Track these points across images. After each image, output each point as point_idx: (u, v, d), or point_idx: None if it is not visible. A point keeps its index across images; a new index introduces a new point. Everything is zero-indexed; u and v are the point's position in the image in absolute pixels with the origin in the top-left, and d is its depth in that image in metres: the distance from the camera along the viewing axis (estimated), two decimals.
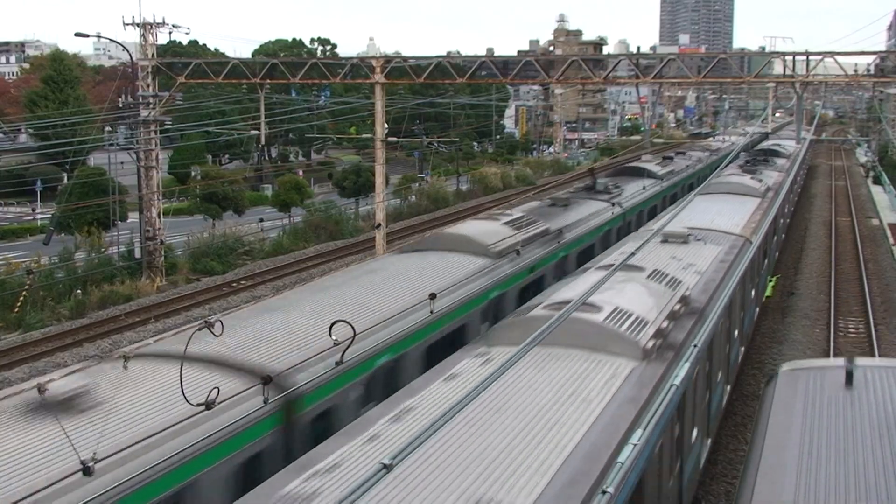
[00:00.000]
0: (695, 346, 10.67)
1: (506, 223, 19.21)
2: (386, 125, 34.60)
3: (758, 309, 22.36)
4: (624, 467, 7.05)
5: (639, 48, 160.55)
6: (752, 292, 19.52)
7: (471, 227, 18.84)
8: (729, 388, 15.97)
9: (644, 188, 30.23)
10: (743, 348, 18.85)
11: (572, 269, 18.92)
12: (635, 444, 7.47)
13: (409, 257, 16.64)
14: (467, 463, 7.11)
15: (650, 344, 10.37)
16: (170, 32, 36.64)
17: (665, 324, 11.28)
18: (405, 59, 32.84)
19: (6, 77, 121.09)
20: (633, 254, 13.28)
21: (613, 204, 25.54)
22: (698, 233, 17.66)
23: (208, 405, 8.92)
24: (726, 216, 21.01)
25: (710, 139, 65.46)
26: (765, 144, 52.10)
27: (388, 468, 5.57)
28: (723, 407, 15.37)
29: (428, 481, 6.69)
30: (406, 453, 6.04)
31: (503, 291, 16.21)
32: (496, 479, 6.85)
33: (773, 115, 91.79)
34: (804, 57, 29.58)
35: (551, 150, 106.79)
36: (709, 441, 13.50)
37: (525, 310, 12.10)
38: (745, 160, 37.10)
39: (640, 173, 33.01)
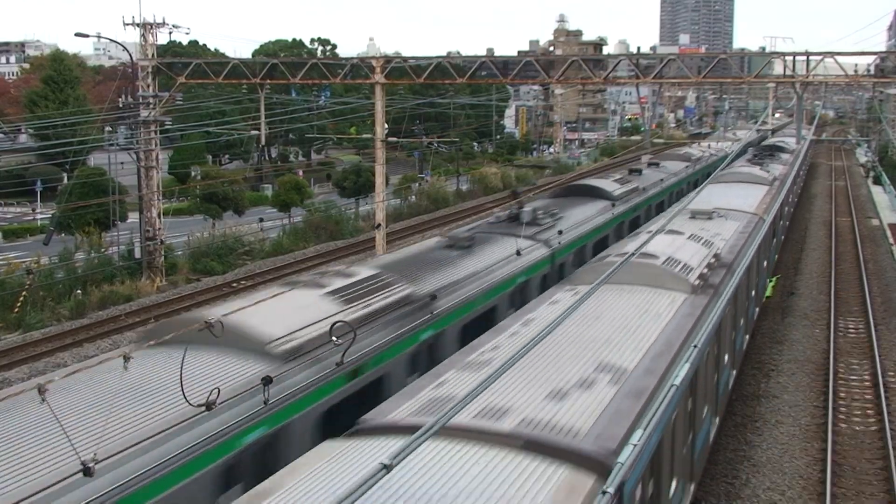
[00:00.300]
0: (726, 288, 13.93)
1: (328, 295, 12.58)
2: (386, 125, 34.61)
3: (768, 280, 26.30)
4: (686, 365, 9.65)
5: (639, 48, 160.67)
6: (765, 262, 23.42)
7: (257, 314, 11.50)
8: (748, 337, 20.33)
9: (589, 216, 23.31)
10: (758, 309, 22.81)
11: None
12: (689, 359, 9.85)
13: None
14: (591, 339, 10.70)
15: (696, 283, 13.75)
16: (170, 32, 36.69)
17: (705, 270, 14.66)
18: (405, 59, 32.84)
19: (6, 77, 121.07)
20: (668, 225, 16.07)
21: (539, 241, 18.95)
22: (720, 211, 20.85)
23: (208, 405, 8.93)
24: (741, 199, 24.04)
25: (687, 148, 51.17)
26: (769, 141, 57.52)
27: (387, 468, 5.56)
28: (743, 350, 19.44)
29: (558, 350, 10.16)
30: (446, 418, 6.10)
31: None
32: (613, 348, 10.40)
33: (773, 115, 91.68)
34: (804, 57, 29.59)
35: (551, 150, 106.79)
36: (747, 337, 19.81)
37: (598, 258, 16.00)
38: (754, 154, 41.68)
39: (591, 193, 26.29)
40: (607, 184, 27.76)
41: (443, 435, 7.15)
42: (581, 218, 22.72)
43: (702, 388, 11.91)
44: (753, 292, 19.96)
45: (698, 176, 38.10)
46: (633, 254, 12.81)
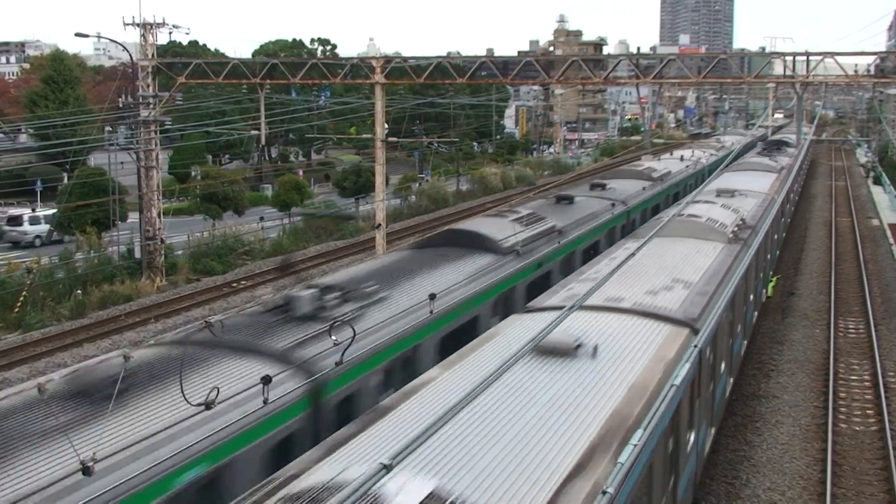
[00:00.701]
0: (752, 242, 18.38)
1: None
2: (386, 125, 34.61)
3: (778, 251, 31.22)
4: (731, 286, 14.30)
5: (639, 48, 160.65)
6: (775, 235, 27.11)
7: None
8: (765, 290, 24.86)
9: (445, 287, 14.50)
10: (771, 272, 27.25)
11: None
12: (732, 283, 14.54)
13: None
14: (662, 266, 14.83)
15: (730, 236, 17.99)
16: (170, 33, 36.69)
17: (735, 229, 18.83)
18: (405, 59, 32.84)
19: (6, 77, 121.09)
20: (701, 199, 20.60)
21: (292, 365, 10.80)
22: (740, 191, 24.78)
23: (208, 405, 8.92)
24: (756, 183, 28.74)
25: (649, 161, 39.00)
26: (774, 136, 62.99)
27: (387, 468, 5.57)
28: (762, 297, 23.84)
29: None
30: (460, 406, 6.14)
31: None
32: (679, 271, 14.58)
33: (773, 115, 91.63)
34: (804, 57, 29.59)
35: (551, 150, 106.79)
36: (763, 290, 24.06)
37: (656, 218, 21.23)
38: (763, 147, 46.62)
39: (476, 245, 17.36)
40: (499, 228, 18.56)
41: (584, 309, 11.32)
42: (413, 301, 13.49)
43: (739, 304, 16.47)
44: (768, 255, 24.89)
45: (659, 201, 30.47)
46: (680, 214, 18.41)
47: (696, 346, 10.68)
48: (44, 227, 44.74)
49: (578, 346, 9.68)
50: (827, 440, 16.70)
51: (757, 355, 22.01)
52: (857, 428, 17.72)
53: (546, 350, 9.50)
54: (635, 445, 7.41)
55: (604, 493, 6.64)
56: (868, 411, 18.61)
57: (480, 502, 6.25)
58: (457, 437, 7.29)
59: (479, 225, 19.37)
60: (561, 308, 10.79)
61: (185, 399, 8.79)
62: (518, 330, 10.82)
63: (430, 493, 6.13)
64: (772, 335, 24.10)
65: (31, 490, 7.31)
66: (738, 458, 15.98)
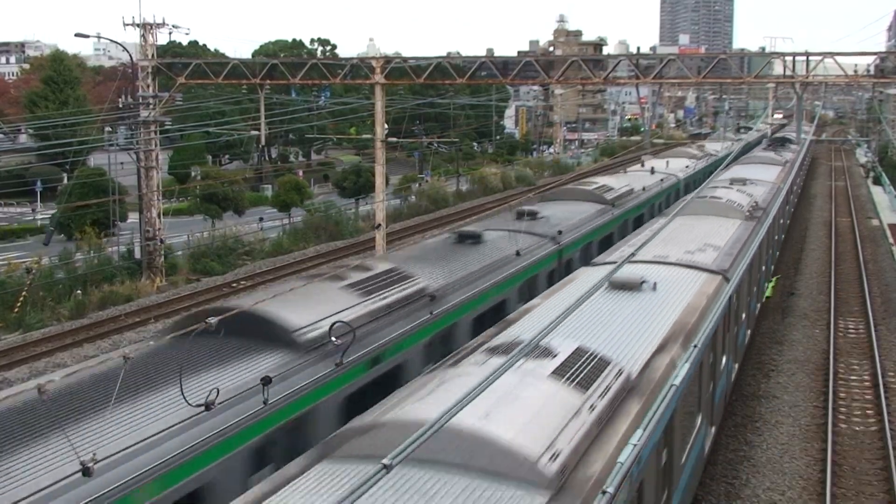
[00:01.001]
0: (765, 220, 21.47)
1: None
2: (386, 125, 34.60)
3: (784, 234, 34.98)
4: (749, 254, 16.77)
5: (639, 48, 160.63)
6: (781, 220, 30.19)
7: None
8: (778, 253, 30.46)
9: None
10: (779, 252, 31.58)
11: None
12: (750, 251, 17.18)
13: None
14: (692, 236, 17.55)
15: (748, 213, 21.39)
16: (170, 33, 36.71)
17: (750, 209, 22.06)
18: (405, 59, 32.83)
19: (6, 77, 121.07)
20: (717, 185, 24.58)
21: None
22: (751, 180, 28.41)
23: (208, 406, 8.92)
24: (764, 173, 32.46)
25: (605, 178, 31.79)
26: (779, 134, 65.83)
27: (387, 468, 5.56)
28: (773, 262, 27.81)
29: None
30: (409, 450, 6.07)
31: None
32: (707, 238, 17.51)
33: (772, 115, 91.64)
34: (804, 57, 29.58)
35: (551, 150, 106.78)
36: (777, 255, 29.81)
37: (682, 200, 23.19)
38: (768, 144, 52.24)
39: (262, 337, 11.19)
40: (312, 305, 12.11)
41: (635, 263, 13.98)
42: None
43: (755, 268, 19.61)
44: (776, 234, 28.25)
45: (611, 229, 24.00)
46: (702, 196, 21.83)
47: (727, 291, 13.62)
48: None
49: (643, 282, 12.79)
50: (827, 440, 16.70)
51: (757, 355, 22.01)
52: (857, 428, 17.72)
53: (618, 285, 12.57)
54: (634, 446, 7.42)
55: (603, 492, 6.63)
56: (868, 411, 18.60)
57: (612, 354, 9.57)
58: (575, 329, 10.39)
59: (278, 306, 11.54)
60: (615, 263, 13.65)
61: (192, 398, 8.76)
62: (591, 275, 13.89)
63: (577, 348, 9.32)
64: (772, 335, 24.09)
65: (32, 490, 7.31)
66: (738, 458, 15.97)
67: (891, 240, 40.86)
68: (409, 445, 5.76)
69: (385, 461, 5.40)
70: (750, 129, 69.93)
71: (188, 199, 56.02)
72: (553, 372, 8.47)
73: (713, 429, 14.05)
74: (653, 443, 8.36)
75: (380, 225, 32.59)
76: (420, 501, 6.29)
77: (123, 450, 8.10)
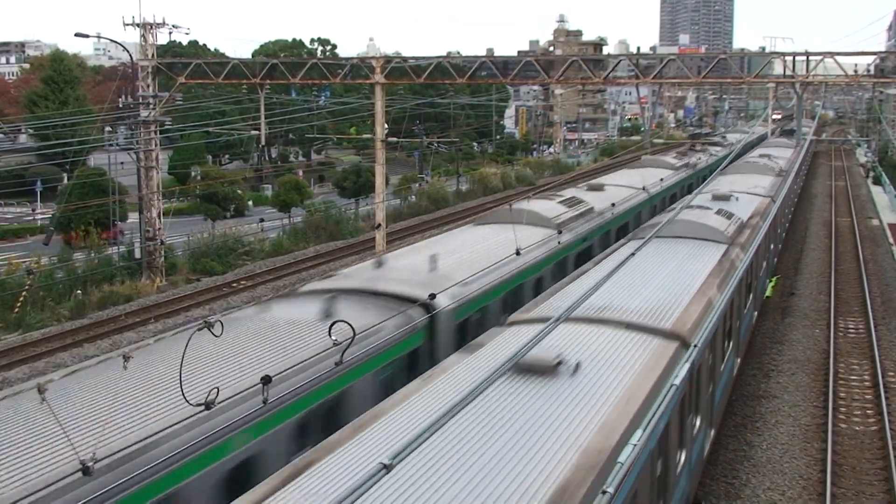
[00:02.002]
0: (787, 178, 28.82)
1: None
2: (386, 125, 34.62)
3: (793, 208, 43.16)
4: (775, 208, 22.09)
5: (639, 48, 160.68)
6: (792, 194, 36.23)
7: None
8: (785, 234, 35.07)
9: None
10: (786, 232, 36.10)
11: None
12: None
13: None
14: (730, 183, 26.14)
15: (778, 172, 31.10)
16: (170, 33, 36.72)
17: (777, 174, 30.18)
18: (405, 59, 32.84)
19: (6, 77, 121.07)
20: (749, 159, 33.21)
21: None
22: (772, 156, 37.17)
23: (208, 405, 8.92)
24: (780, 153, 41.76)
25: (527, 203, 22.04)
26: (788, 126, 74.61)
27: (387, 468, 5.56)
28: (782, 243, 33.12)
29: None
30: (411, 449, 6.05)
31: None
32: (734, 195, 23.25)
33: (771, 116, 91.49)
34: (804, 57, 29.62)
35: (551, 150, 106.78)
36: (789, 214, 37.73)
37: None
38: (781, 132, 64.61)
39: None
40: None
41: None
42: None
43: (772, 230, 22.66)
44: (786, 210, 33.53)
45: (523, 280, 16.80)
46: (748, 161, 30.63)
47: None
48: None
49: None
50: (827, 440, 16.69)
51: (757, 355, 22.00)
52: (857, 428, 17.72)
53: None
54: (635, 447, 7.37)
55: (603, 492, 6.63)
56: (868, 411, 18.60)
57: None
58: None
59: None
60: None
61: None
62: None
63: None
64: (772, 335, 24.09)
65: (32, 489, 7.30)
66: (738, 458, 15.97)
67: (891, 240, 40.85)
68: (661, 225, 12.65)
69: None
70: (714, 141, 55.56)
71: (188, 198, 56.03)
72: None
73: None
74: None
75: (380, 225, 32.60)
76: (672, 252, 11.54)
77: (123, 449, 8.11)
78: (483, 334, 11.04)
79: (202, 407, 8.88)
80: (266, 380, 9.55)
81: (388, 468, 5.59)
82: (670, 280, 13.61)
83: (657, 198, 28.76)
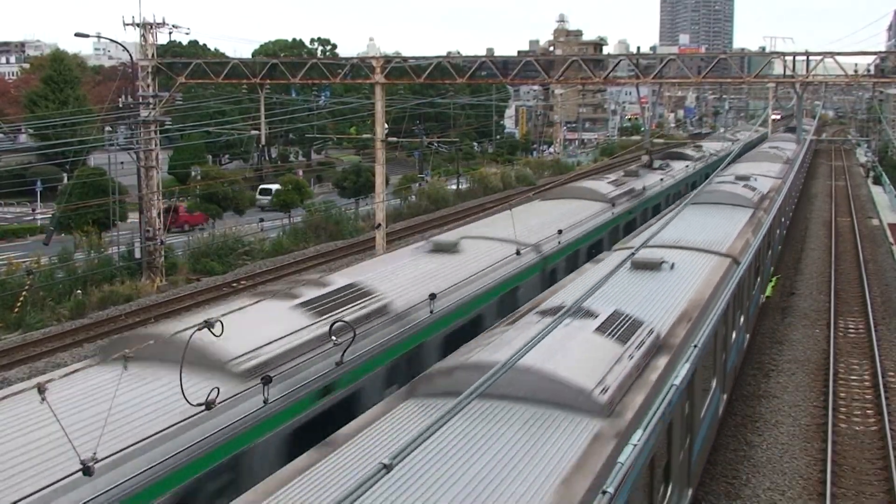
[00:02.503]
0: (787, 178, 29.16)
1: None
2: (386, 125, 34.63)
3: (801, 187, 49.92)
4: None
5: (639, 48, 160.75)
6: (797, 183, 39.56)
7: None
8: (794, 205, 40.95)
9: None
10: (788, 226, 37.88)
11: None
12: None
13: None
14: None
15: (784, 160, 38.13)
16: (170, 33, 36.69)
17: (785, 160, 37.49)
18: (405, 59, 32.84)
19: (6, 77, 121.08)
20: (763, 149, 40.12)
21: None
22: (778, 149, 41.70)
23: (208, 405, 8.92)
24: (786, 146, 46.93)
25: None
26: (792, 124, 75.18)
27: (387, 468, 5.56)
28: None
29: None
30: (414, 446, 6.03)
31: None
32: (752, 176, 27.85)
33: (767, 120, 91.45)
34: (804, 57, 29.61)
35: (551, 150, 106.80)
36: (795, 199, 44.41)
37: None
38: (786, 129, 68.61)
39: None
40: None
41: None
42: None
43: (784, 203, 24.67)
44: (789, 197, 34.08)
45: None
46: (761, 151, 38.46)
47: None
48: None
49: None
50: (827, 440, 16.69)
51: (757, 355, 22.01)
52: (857, 428, 17.72)
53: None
54: (634, 445, 7.41)
55: (603, 492, 6.64)
56: (868, 411, 18.60)
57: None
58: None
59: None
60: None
61: (183, 397, 8.77)
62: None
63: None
64: (772, 335, 24.09)
65: (32, 490, 7.30)
66: (738, 458, 15.97)
67: (891, 239, 40.85)
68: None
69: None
70: (680, 153, 44.19)
71: (188, 198, 56.05)
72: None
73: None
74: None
75: (380, 225, 32.60)
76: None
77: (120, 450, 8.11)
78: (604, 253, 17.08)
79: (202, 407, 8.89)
80: (266, 380, 9.57)
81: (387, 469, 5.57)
82: (717, 227, 18.84)
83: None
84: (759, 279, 21.04)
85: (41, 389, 8.18)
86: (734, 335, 15.96)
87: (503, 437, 7.65)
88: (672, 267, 14.11)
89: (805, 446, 16.66)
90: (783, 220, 30.91)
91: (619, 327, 10.25)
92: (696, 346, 10.08)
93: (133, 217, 41.68)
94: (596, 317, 10.47)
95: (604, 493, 6.63)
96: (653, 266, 13.94)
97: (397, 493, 6.55)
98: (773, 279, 27.19)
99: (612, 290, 12.21)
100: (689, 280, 13.70)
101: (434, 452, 7.16)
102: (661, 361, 9.95)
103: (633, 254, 13.49)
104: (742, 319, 17.31)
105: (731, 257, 15.93)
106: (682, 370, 9.29)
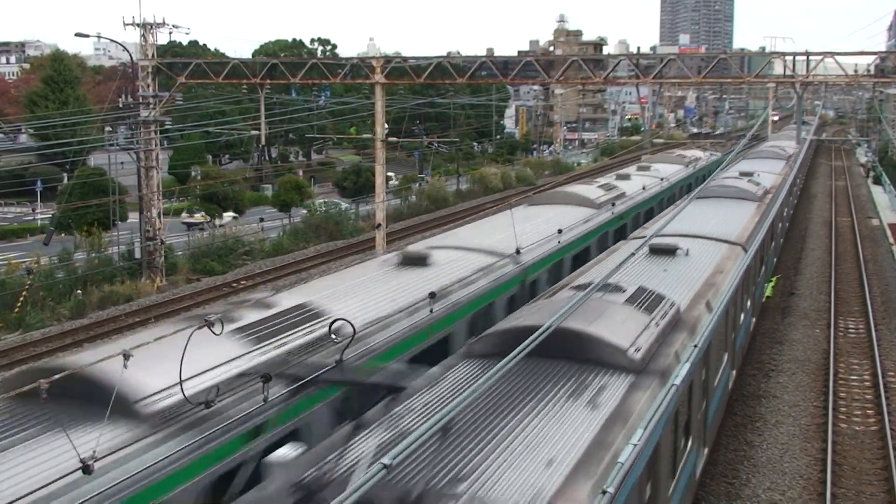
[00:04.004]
0: (789, 174, 31.66)
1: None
2: (386, 125, 34.62)
3: (804, 178, 51.85)
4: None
5: (639, 48, 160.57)
6: (801, 175, 39.88)
7: None
8: (795, 202, 42.71)
9: None
10: (789, 221, 39.55)
11: None
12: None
13: None
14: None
15: (788, 156, 40.76)
16: (170, 33, 36.75)
17: (790, 154, 41.24)
18: (405, 59, 32.84)
19: (6, 77, 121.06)
20: (773, 142, 46.69)
21: None
22: (780, 149, 43.18)
23: (208, 404, 8.91)
24: (787, 144, 48.74)
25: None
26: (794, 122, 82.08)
27: (387, 468, 5.57)
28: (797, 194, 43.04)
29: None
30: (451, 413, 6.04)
31: None
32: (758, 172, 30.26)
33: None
34: (804, 57, 29.61)
35: (552, 150, 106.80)
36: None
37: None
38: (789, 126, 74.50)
39: None
40: None
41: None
42: None
43: (786, 197, 25.41)
44: (805, 168, 39.76)
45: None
46: (765, 140, 44.32)
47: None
48: None
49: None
50: (827, 440, 16.69)
51: (757, 355, 22.00)
52: (857, 428, 17.72)
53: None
54: (635, 445, 7.45)
55: (603, 493, 6.65)
56: (868, 411, 18.60)
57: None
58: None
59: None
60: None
61: (186, 399, 8.77)
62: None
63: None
64: (772, 335, 24.09)
65: (31, 489, 7.29)
66: (738, 458, 15.97)
67: (891, 239, 40.85)
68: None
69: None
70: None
71: (188, 198, 56.04)
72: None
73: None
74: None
75: (380, 225, 32.60)
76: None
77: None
78: (620, 241, 18.66)
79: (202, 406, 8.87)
80: (266, 378, 9.53)
81: (386, 468, 5.59)
82: (725, 218, 20.10)
83: None
84: (763, 268, 22.46)
85: (41, 389, 8.14)
86: (742, 316, 17.26)
87: (550, 390, 8.64)
88: (687, 253, 15.29)
89: (805, 446, 16.66)
90: (785, 213, 32.64)
91: (645, 301, 11.46)
92: (711, 320, 11.46)
93: (133, 217, 41.68)
94: (623, 291, 11.73)
95: (634, 446, 7.18)
96: (669, 251, 15.17)
97: (461, 441, 7.39)
98: (773, 279, 27.19)
99: (635, 270, 13.67)
100: (703, 264, 14.96)
101: (489, 406, 8.12)
102: (682, 330, 11.13)
103: (647, 241, 14.61)
104: (749, 303, 18.51)
105: (740, 245, 17.10)
106: (701, 338, 10.75)
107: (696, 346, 10.32)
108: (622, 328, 10.11)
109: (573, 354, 9.43)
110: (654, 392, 8.89)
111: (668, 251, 15.18)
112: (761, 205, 23.00)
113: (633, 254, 12.86)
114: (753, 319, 20.69)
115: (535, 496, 6.65)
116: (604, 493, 6.63)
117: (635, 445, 7.37)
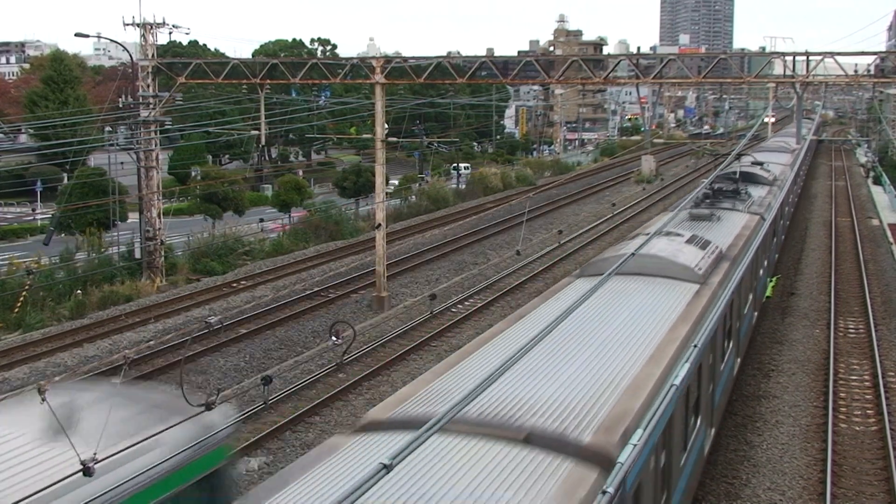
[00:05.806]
0: (794, 165, 36.09)
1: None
2: (386, 125, 34.60)
3: (805, 173, 55.17)
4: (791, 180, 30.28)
5: (639, 48, 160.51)
6: (806, 161, 47.21)
7: None
8: (802, 184, 51.58)
9: None
10: (799, 193, 46.62)
11: None
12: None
13: None
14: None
15: (792, 150, 43.20)
16: (170, 33, 36.66)
17: (785, 158, 37.32)
18: (405, 59, 32.82)
19: (6, 77, 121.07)
20: (779, 135, 53.01)
21: None
22: (784, 143, 46.08)
23: (208, 406, 8.92)
24: (791, 141, 49.50)
25: None
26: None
27: (387, 468, 5.56)
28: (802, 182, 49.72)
29: None
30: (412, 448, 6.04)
31: None
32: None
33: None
34: (804, 57, 29.57)
35: (552, 150, 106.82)
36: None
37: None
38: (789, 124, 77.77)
39: None
40: None
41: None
42: None
43: (792, 184, 30.54)
44: (806, 163, 42.57)
45: None
46: (765, 140, 49.76)
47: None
48: None
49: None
50: (827, 440, 16.70)
51: (757, 355, 22.01)
52: (857, 428, 17.72)
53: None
54: (634, 445, 7.47)
55: (603, 492, 6.65)
56: (868, 411, 18.61)
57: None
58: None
59: None
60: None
61: (187, 400, 8.78)
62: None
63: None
64: (772, 335, 24.09)
65: (32, 490, 7.29)
66: (738, 458, 15.97)
67: (891, 239, 40.86)
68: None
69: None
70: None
71: (188, 198, 56.04)
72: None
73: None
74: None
75: (380, 225, 32.57)
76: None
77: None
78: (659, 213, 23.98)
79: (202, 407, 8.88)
80: (267, 379, 9.54)
81: (387, 469, 5.58)
82: (748, 194, 23.72)
83: None
84: (775, 237, 26.71)
85: (41, 390, 8.15)
86: (761, 273, 21.51)
87: (641, 295, 12.54)
88: (719, 218, 19.33)
89: (805, 446, 16.66)
90: (791, 197, 38.07)
91: (699, 242, 15.81)
92: (745, 257, 15.88)
93: (133, 217, 41.67)
94: (682, 236, 16.06)
95: (604, 493, 6.68)
96: (706, 217, 19.31)
97: (583, 323, 10.97)
98: (773, 279, 27.19)
99: (684, 226, 17.92)
100: (733, 226, 19.11)
101: (593, 307, 11.64)
102: (725, 263, 15.40)
103: (681, 210, 19.05)
104: (766, 262, 22.94)
105: (759, 215, 21.11)
106: (739, 267, 15.12)
107: (738, 271, 14.69)
108: (688, 255, 14.61)
109: (656, 272, 13.60)
110: (711, 298, 12.91)
111: (706, 217, 19.39)
112: (773, 186, 27.21)
113: (675, 217, 17.96)
114: (769, 280, 24.72)
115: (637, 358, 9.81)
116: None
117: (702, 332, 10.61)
